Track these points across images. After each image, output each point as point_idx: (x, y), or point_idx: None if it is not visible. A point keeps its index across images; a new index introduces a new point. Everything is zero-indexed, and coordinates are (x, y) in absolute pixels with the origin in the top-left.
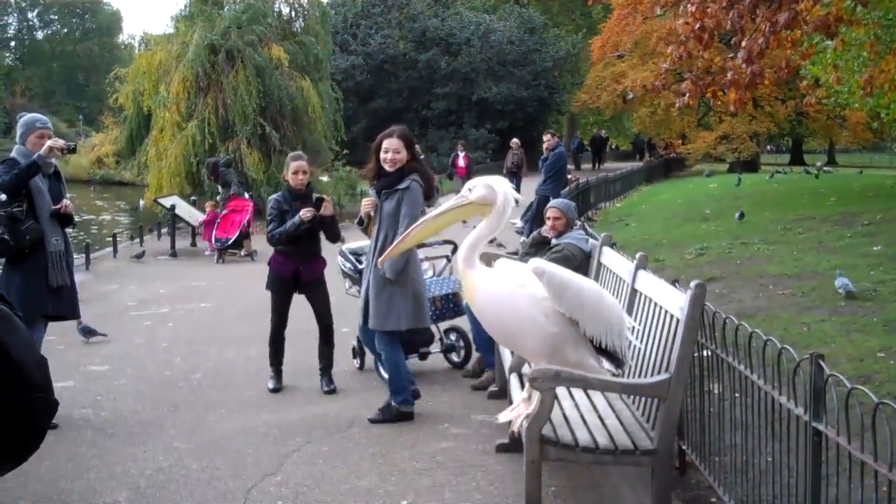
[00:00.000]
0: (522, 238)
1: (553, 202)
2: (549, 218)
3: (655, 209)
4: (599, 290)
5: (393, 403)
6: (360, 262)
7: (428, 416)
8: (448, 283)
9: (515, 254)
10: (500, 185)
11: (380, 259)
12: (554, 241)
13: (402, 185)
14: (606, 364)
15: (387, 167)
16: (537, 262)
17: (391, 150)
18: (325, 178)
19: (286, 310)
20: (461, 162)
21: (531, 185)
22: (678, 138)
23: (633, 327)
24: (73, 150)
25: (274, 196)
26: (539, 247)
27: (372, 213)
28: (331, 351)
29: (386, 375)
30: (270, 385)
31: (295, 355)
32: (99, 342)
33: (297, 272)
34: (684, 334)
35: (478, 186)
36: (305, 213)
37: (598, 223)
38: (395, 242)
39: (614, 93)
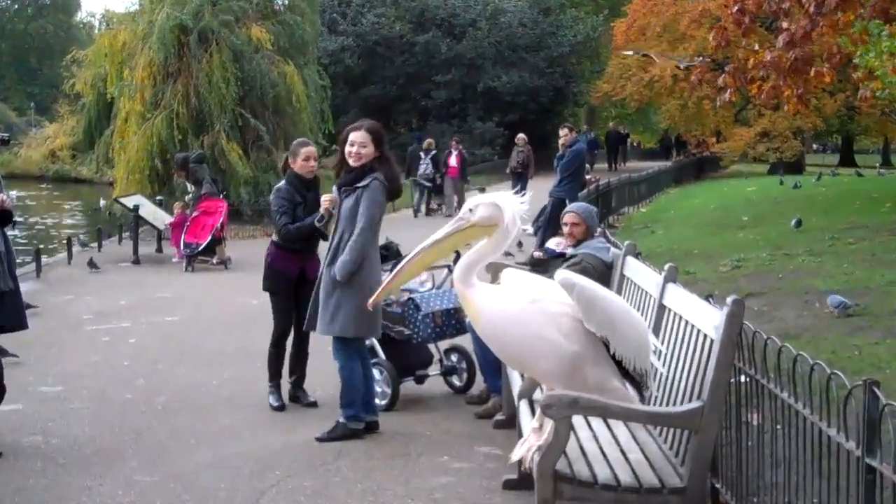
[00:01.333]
0: (534, 251)
1: (571, 206)
2: (565, 224)
3: (686, 215)
4: (626, 305)
5: (340, 419)
6: None
7: (426, 447)
8: (449, 296)
9: (527, 265)
10: (506, 202)
11: (369, 301)
12: (570, 252)
13: (362, 183)
14: (631, 389)
15: (350, 161)
16: (565, 274)
17: (357, 143)
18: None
19: (291, 311)
20: (453, 161)
21: (541, 187)
22: (712, 135)
23: (659, 350)
24: (4, 143)
25: (282, 185)
26: (538, 266)
27: (333, 211)
28: (305, 361)
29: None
30: (273, 402)
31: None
32: (44, 360)
33: (303, 270)
34: (719, 357)
35: (480, 205)
36: (325, 202)
37: (620, 230)
38: (387, 279)
39: (640, 83)
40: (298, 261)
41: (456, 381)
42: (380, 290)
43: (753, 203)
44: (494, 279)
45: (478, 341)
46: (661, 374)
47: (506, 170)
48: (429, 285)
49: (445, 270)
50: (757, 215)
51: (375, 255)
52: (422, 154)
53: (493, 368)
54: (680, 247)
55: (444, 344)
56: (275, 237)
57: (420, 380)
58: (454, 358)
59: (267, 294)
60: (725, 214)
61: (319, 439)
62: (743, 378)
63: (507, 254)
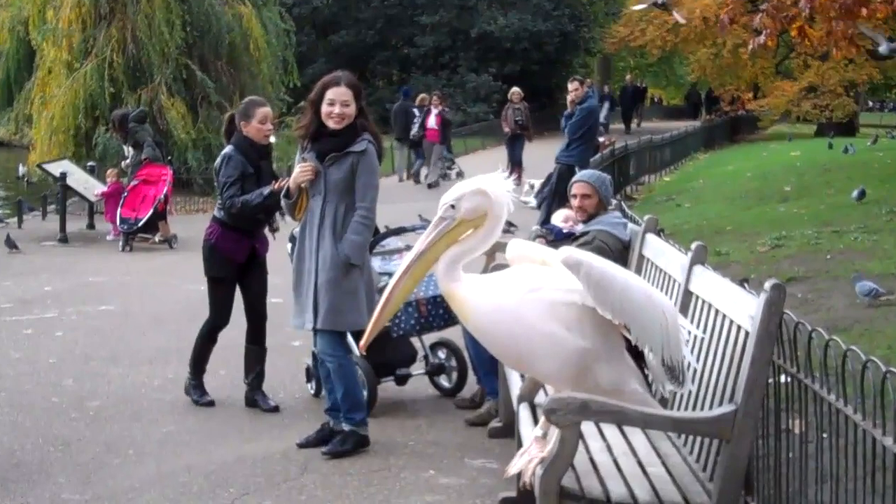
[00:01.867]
0: (536, 229)
1: (580, 174)
2: (574, 196)
3: (717, 184)
4: (646, 283)
5: (347, 427)
6: None
7: (408, 460)
8: (437, 281)
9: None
10: (493, 186)
11: (361, 344)
12: (581, 229)
13: (356, 148)
14: (669, 384)
15: (332, 124)
16: (570, 251)
17: (338, 101)
18: (272, 139)
19: (232, 301)
20: (432, 121)
21: (545, 152)
22: (749, 90)
23: (691, 335)
24: None
25: (228, 152)
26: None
27: (306, 186)
28: (264, 356)
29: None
30: (197, 398)
31: (231, 374)
32: None
33: (253, 251)
34: (755, 352)
35: (464, 197)
36: (304, 173)
37: (639, 203)
38: (376, 314)
39: (664, 27)
40: (247, 241)
41: (444, 381)
42: (370, 326)
43: (797, 171)
44: (490, 258)
45: (470, 335)
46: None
47: (505, 131)
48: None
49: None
50: (801, 185)
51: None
52: (415, 111)
53: (488, 367)
54: (710, 222)
55: (430, 338)
56: (218, 213)
57: (401, 380)
58: (442, 354)
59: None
60: (764, 184)
61: (328, 454)
62: (783, 378)
63: (510, 225)
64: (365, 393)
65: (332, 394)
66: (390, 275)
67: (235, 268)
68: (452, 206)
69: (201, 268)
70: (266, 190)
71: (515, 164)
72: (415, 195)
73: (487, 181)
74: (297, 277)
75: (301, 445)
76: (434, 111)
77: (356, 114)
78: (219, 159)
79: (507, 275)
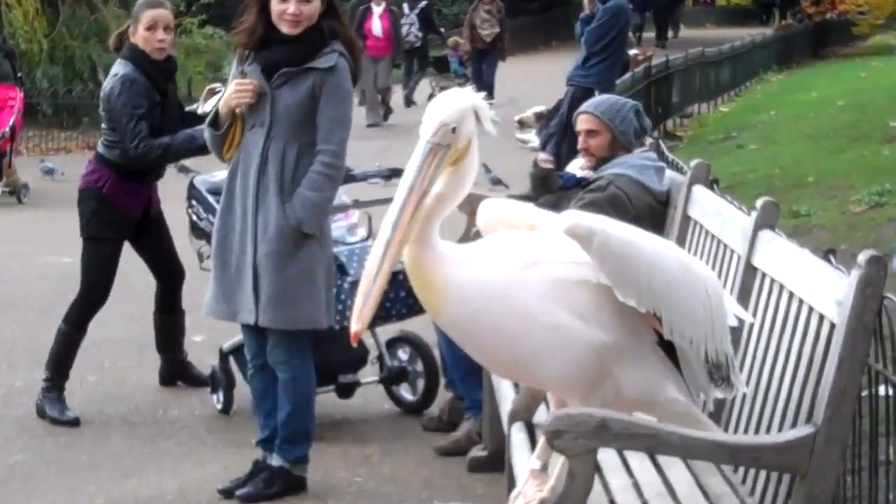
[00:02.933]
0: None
1: (587, 104)
2: (578, 133)
3: (795, 118)
4: (681, 253)
5: (279, 463)
6: None
7: (355, 501)
8: None
9: (530, 199)
10: (485, 107)
11: (356, 327)
12: (592, 175)
13: (320, 63)
14: (715, 390)
15: (285, 28)
16: (576, 217)
17: None
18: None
19: (115, 271)
20: (376, 24)
21: (554, 69)
22: None
23: (745, 323)
24: None
25: (128, 73)
26: (546, 185)
27: (242, 111)
28: (183, 327)
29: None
30: (55, 414)
31: (104, 381)
32: None
33: (148, 205)
34: (844, 352)
35: (465, 116)
36: (240, 93)
37: (685, 143)
38: (369, 282)
39: None
40: (145, 191)
41: (405, 392)
42: (363, 305)
43: None
44: (472, 218)
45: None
46: (741, 393)
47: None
48: (362, 232)
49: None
50: None
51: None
52: (405, 6)
53: (467, 371)
54: (784, 171)
55: (388, 331)
56: (109, 153)
57: (346, 390)
58: (403, 355)
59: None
60: (861, 118)
61: (243, 497)
62: (883, 389)
63: (497, 181)
64: None
65: (269, 418)
66: (333, 242)
67: (128, 226)
68: (454, 130)
69: (64, 231)
70: (204, 131)
71: (486, 90)
72: (368, 132)
73: (478, 97)
74: (221, 246)
75: (225, 493)
76: (376, 8)
77: (322, 12)
78: (113, 81)
79: (489, 245)
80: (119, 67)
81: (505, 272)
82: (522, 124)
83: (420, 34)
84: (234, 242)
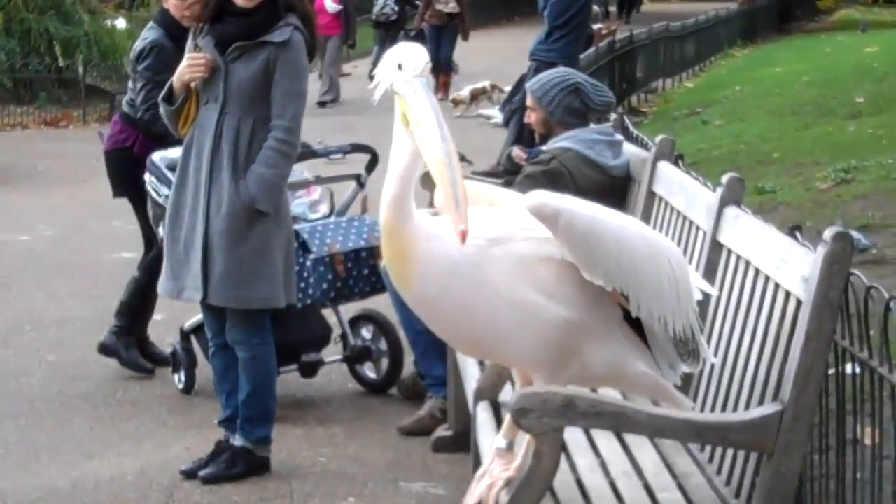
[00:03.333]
0: (509, 150)
1: (533, 80)
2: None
3: (760, 93)
4: (646, 229)
5: (241, 444)
6: None
7: (318, 483)
8: (359, 227)
9: (495, 176)
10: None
11: (459, 230)
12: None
13: (275, 37)
14: (682, 364)
15: (240, 1)
16: (541, 196)
17: None
18: (119, 23)
19: None
20: (328, 0)
21: (518, 43)
22: None
23: (710, 298)
24: None
25: (158, 39)
26: (510, 178)
27: (196, 86)
28: (154, 302)
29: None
30: (128, 356)
31: (62, 360)
32: None
33: None
34: (810, 329)
35: (418, 55)
36: (193, 67)
37: (650, 119)
38: (450, 173)
39: None
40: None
41: (370, 371)
42: (455, 200)
43: (874, 75)
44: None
45: (404, 306)
46: (707, 370)
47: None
48: (324, 209)
49: (353, 185)
50: (880, 95)
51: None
52: None
53: (427, 343)
54: (750, 147)
55: (351, 310)
56: (135, 112)
57: (309, 369)
58: (367, 333)
59: (53, 231)
60: (827, 93)
61: (206, 478)
62: (850, 367)
63: (461, 158)
64: None
65: (230, 398)
66: (294, 218)
67: None
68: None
69: (17, 207)
70: (160, 106)
71: (442, 67)
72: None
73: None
74: (173, 221)
75: (187, 474)
76: None
77: None
78: (143, 45)
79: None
80: (150, 32)
81: (473, 250)
82: (456, 103)
83: (396, 7)
84: (185, 219)
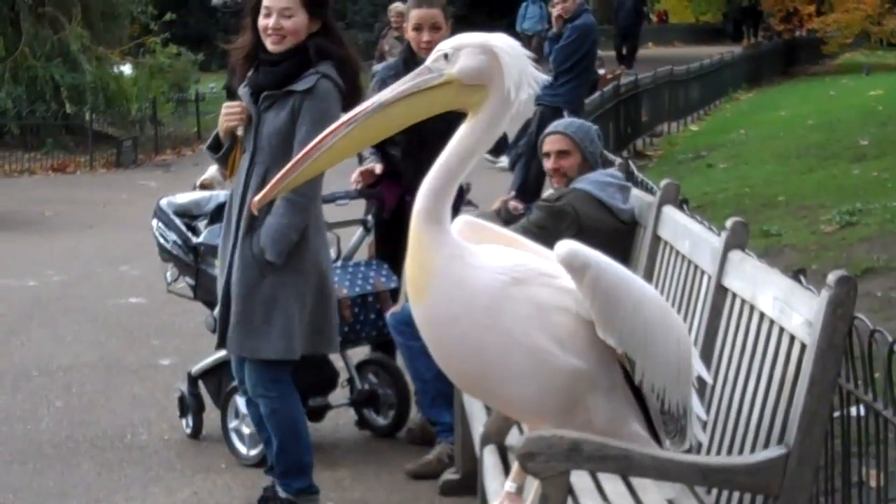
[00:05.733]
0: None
1: (554, 125)
2: (546, 155)
3: (765, 137)
4: (663, 300)
5: (282, 494)
6: (196, 232)
7: None
8: (366, 272)
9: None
10: (503, 44)
11: (254, 201)
12: (552, 193)
13: (299, 86)
14: (667, 441)
15: (269, 43)
16: (571, 245)
17: (275, 9)
18: (126, 69)
19: None
20: None
21: None
22: (811, 1)
23: (705, 383)
24: None
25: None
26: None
27: (240, 133)
28: None
29: (248, 451)
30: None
31: (70, 406)
32: None
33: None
34: (815, 373)
35: (463, 49)
36: (229, 115)
37: (655, 162)
38: (285, 168)
39: None
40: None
41: (376, 415)
42: (270, 185)
43: (878, 118)
44: None
45: (408, 346)
46: (722, 401)
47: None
48: (331, 254)
49: (359, 230)
50: (884, 139)
51: (320, 215)
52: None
53: (436, 390)
54: (755, 191)
55: (358, 355)
56: None
57: (316, 414)
58: (373, 378)
59: (60, 276)
60: (831, 137)
61: None
62: (855, 409)
63: (467, 202)
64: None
65: (269, 446)
66: None
67: None
68: (446, 57)
69: (24, 253)
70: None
71: None
72: None
73: (495, 38)
74: (220, 272)
75: None
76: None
77: (312, 31)
78: None
79: (485, 250)
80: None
81: (495, 284)
82: None
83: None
84: (223, 268)
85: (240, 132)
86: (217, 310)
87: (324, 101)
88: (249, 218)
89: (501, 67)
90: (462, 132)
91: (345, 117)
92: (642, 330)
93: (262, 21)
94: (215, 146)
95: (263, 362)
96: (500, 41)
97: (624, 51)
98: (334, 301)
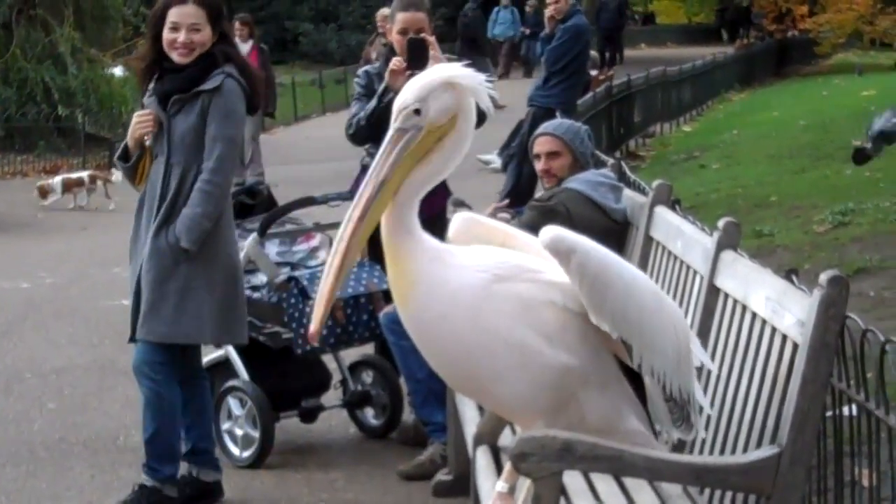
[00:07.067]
0: (498, 203)
1: (545, 126)
2: (537, 157)
3: (757, 137)
4: (657, 288)
5: (148, 482)
6: None
7: None
8: (359, 273)
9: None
10: (462, 74)
11: (312, 327)
12: (545, 194)
13: (207, 86)
14: (674, 429)
15: (176, 56)
16: (557, 231)
17: (184, 25)
18: (117, 71)
19: None
20: None
21: (515, 90)
22: (803, 2)
23: (706, 369)
24: None
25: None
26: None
27: (147, 141)
28: None
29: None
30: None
31: (63, 408)
32: None
33: None
34: (807, 373)
35: (430, 94)
36: (140, 123)
37: (648, 163)
38: (327, 279)
39: None
40: None
41: (370, 416)
42: (320, 303)
43: (871, 117)
44: None
45: (400, 345)
46: (706, 414)
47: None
48: (323, 255)
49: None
50: None
51: (230, 207)
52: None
53: (428, 390)
54: (747, 191)
55: (351, 355)
56: None
57: (309, 415)
58: (367, 378)
59: (53, 279)
60: (824, 137)
61: None
62: (847, 409)
63: (460, 203)
64: (254, 432)
65: (185, 430)
66: (292, 266)
67: None
68: (417, 112)
69: (18, 255)
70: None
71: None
72: (327, 153)
73: (450, 71)
74: (132, 269)
75: None
76: (244, 46)
77: (215, 41)
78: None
79: (466, 251)
80: None
81: (476, 283)
82: (44, 193)
83: None
84: (135, 266)
85: (148, 141)
86: (131, 304)
87: (231, 99)
88: (168, 211)
89: (465, 93)
90: (428, 159)
91: (351, 210)
92: (636, 312)
93: (168, 35)
94: (124, 156)
95: (155, 345)
96: (454, 72)
97: (607, 54)
98: (243, 294)
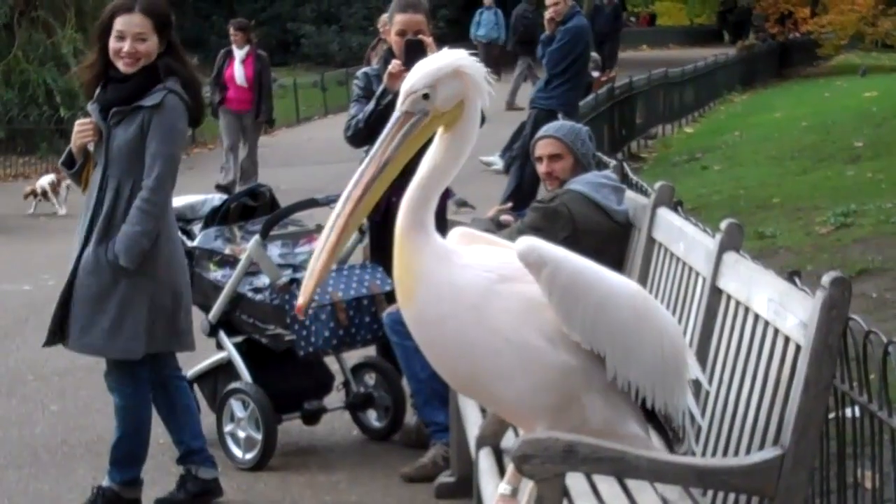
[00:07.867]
0: (501, 206)
1: (546, 128)
2: (538, 159)
3: (759, 138)
4: (641, 302)
5: (108, 484)
6: (190, 235)
7: None
8: (361, 275)
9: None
10: (464, 60)
11: (300, 300)
12: (547, 195)
13: (147, 102)
14: (655, 439)
15: (121, 66)
16: (529, 242)
17: (129, 34)
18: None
19: None
20: (238, 72)
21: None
22: (805, 3)
23: (699, 383)
24: None
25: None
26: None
27: (91, 148)
28: None
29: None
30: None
31: (66, 410)
32: None
33: None
34: (810, 374)
35: (439, 80)
36: (81, 132)
37: (650, 164)
38: (318, 253)
39: None
40: None
41: (372, 418)
42: (309, 278)
43: (873, 119)
44: None
45: (403, 345)
46: (717, 402)
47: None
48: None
49: (354, 234)
50: (879, 140)
51: (172, 220)
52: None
53: (430, 391)
54: (749, 192)
55: (354, 357)
56: None
57: (311, 417)
58: (369, 380)
59: (55, 281)
60: (826, 137)
61: None
62: (850, 410)
63: (463, 203)
64: (257, 434)
65: (176, 433)
66: (294, 268)
67: None
68: (426, 96)
69: (19, 258)
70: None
71: None
72: (328, 155)
73: (455, 57)
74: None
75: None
76: (240, 52)
77: (161, 52)
78: None
79: (471, 252)
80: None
81: (481, 283)
82: (30, 195)
83: None
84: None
85: (91, 148)
86: (55, 308)
87: (171, 116)
88: (105, 226)
89: (471, 82)
90: (442, 146)
91: (352, 184)
92: (606, 326)
93: (114, 44)
94: (69, 162)
95: (117, 361)
96: (463, 59)
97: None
98: (189, 305)
